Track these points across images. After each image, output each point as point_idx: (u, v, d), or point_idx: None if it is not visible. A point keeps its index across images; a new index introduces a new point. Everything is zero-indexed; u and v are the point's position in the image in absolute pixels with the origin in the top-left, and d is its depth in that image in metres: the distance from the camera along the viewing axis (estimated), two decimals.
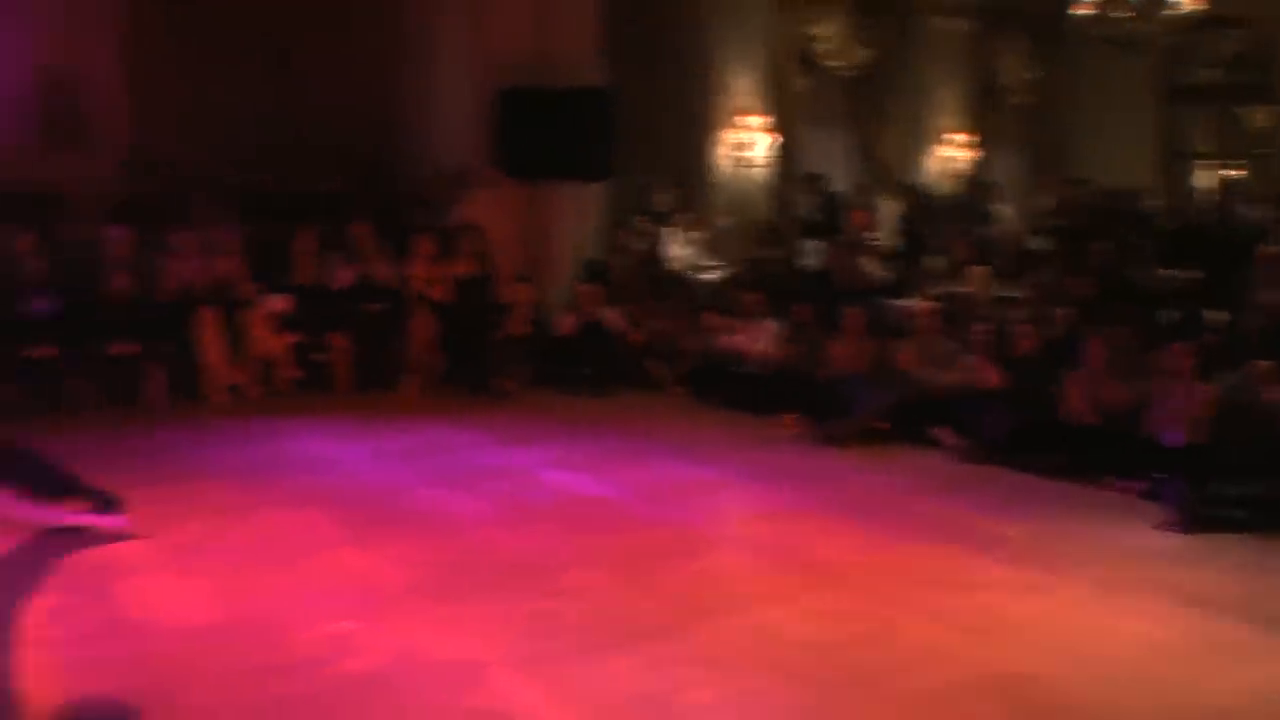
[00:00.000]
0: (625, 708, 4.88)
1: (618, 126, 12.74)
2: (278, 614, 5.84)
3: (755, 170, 15.59)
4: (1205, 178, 18.92)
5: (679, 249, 14.15)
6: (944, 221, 14.84)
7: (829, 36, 17.09)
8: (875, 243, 13.60)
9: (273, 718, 4.80)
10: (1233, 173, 18.41)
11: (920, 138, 18.23)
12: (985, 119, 18.84)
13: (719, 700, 4.95)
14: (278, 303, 11.47)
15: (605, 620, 5.77)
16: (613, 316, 11.91)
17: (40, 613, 5.91)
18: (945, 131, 18.27)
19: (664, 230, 14.22)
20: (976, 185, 17.17)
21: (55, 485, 7.08)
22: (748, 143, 15.39)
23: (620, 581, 6.32)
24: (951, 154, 18.21)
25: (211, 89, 13.52)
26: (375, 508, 7.66)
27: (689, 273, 13.85)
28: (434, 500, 7.84)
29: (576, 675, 5.16)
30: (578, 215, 13.42)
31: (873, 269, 12.88)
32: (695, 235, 14.33)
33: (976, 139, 18.45)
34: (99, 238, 11.53)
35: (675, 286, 13.10)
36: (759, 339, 11.23)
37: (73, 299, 11.03)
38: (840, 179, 16.35)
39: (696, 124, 15.37)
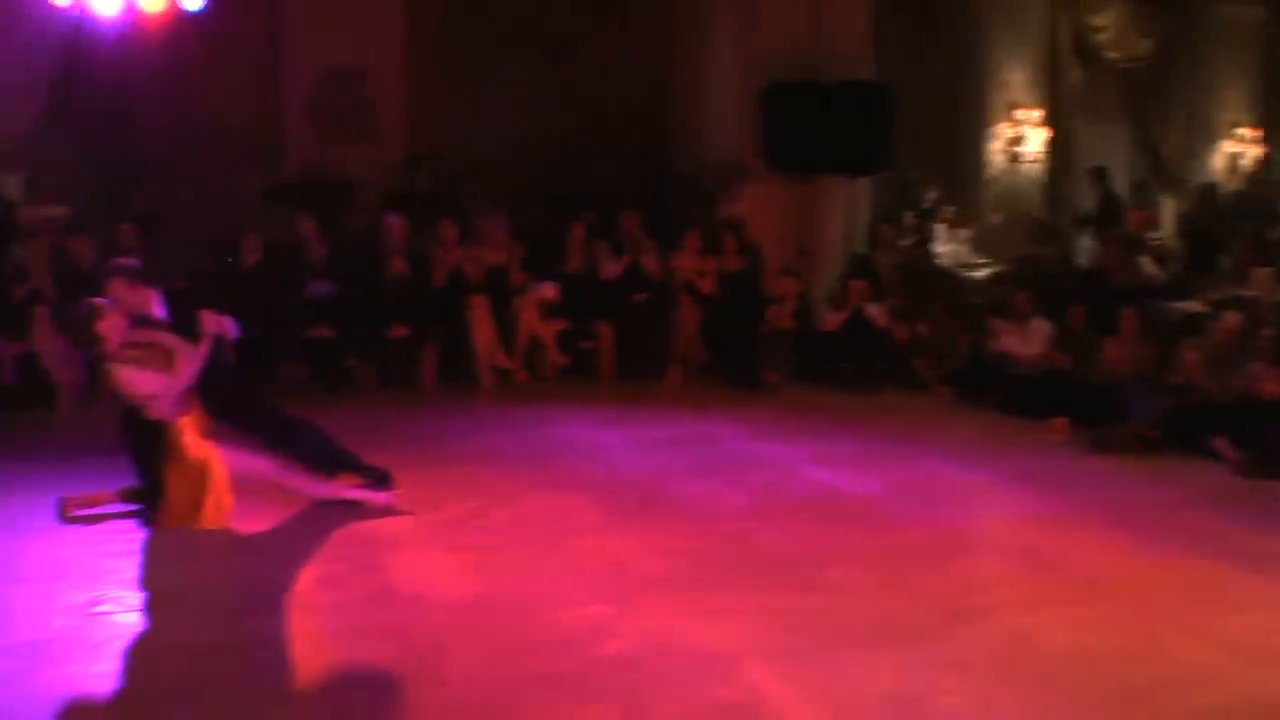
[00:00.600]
0: (875, 708, 4.83)
1: (888, 120, 12.59)
2: (536, 594, 5.99)
3: (1028, 165, 15.21)
4: None
5: (947, 245, 13.92)
6: (1230, 220, 14.17)
7: (1108, 26, 16.48)
8: (1156, 242, 13.10)
9: (528, 693, 4.92)
10: None
11: (1205, 132, 17.43)
12: (1275, 113, 17.88)
13: (970, 707, 4.86)
14: (547, 291, 11.74)
15: (859, 619, 5.72)
16: (878, 313, 11.78)
17: (311, 580, 6.22)
18: (1231, 126, 17.41)
19: (932, 226, 14.02)
20: (1264, 183, 16.34)
21: (332, 460, 7.42)
22: (1021, 137, 15.02)
23: (875, 580, 6.26)
24: (1238, 150, 17.35)
25: (487, 84, 13.95)
26: (635, 495, 7.77)
27: (957, 270, 13.61)
28: (693, 490, 7.90)
29: (827, 673, 5.13)
30: (845, 210, 13.30)
31: (1151, 269, 12.40)
32: (964, 231, 14.07)
33: (1265, 134, 17.53)
34: (378, 226, 12.01)
35: (942, 284, 12.88)
36: (1029, 339, 10.93)
37: (352, 283, 11.54)
38: (1118, 175, 15.80)
39: (969, 117, 15.09)
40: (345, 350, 11.35)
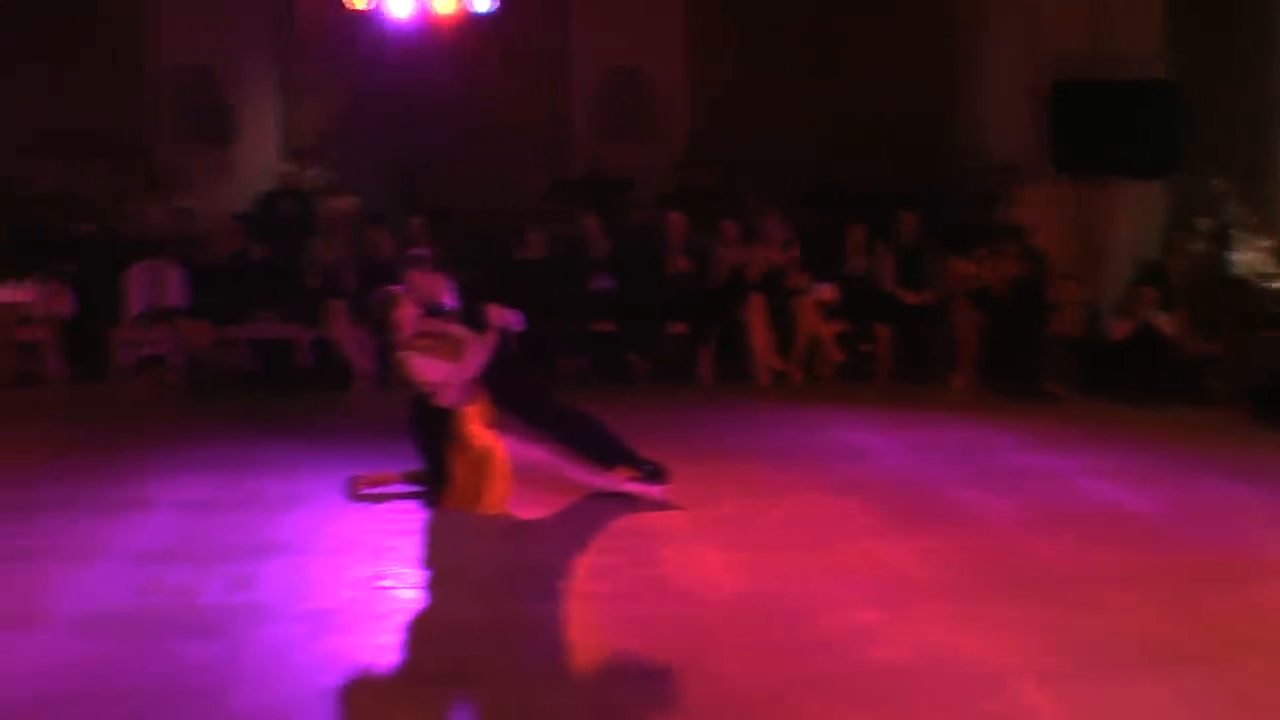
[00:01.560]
0: None
1: (1182, 121, 12.08)
2: (806, 595, 5.97)
3: None
4: None
5: (1245, 254, 13.26)
6: None
7: None
8: None
9: (799, 696, 4.91)
10: None
11: None
12: None
13: None
14: (826, 292, 11.69)
15: (1134, 642, 5.49)
16: (1168, 323, 11.32)
17: (586, 569, 6.35)
18: None
19: (1229, 233, 13.37)
20: None
21: (610, 452, 7.55)
22: None
23: (1153, 602, 5.99)
24: None
25: (766, 83, 13.97)
26: (907, 501, 7.66)
27: (1255, 280, 12.95)
28: (965, 498, 7.74)
29: (1101, 697, 4.94)
30: (1134, 214, 12.82)
31: None
32: (1263, 240, 13.37)
33: None
34: (659, 222, 12.16)
35: (1239, 294, 12.28)
36: None
37: (633, 279, 11.72)
38: None
39: (1271, 119, 14.33)
40: (625, 345, 11.54)
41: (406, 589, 6.04)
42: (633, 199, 13.17)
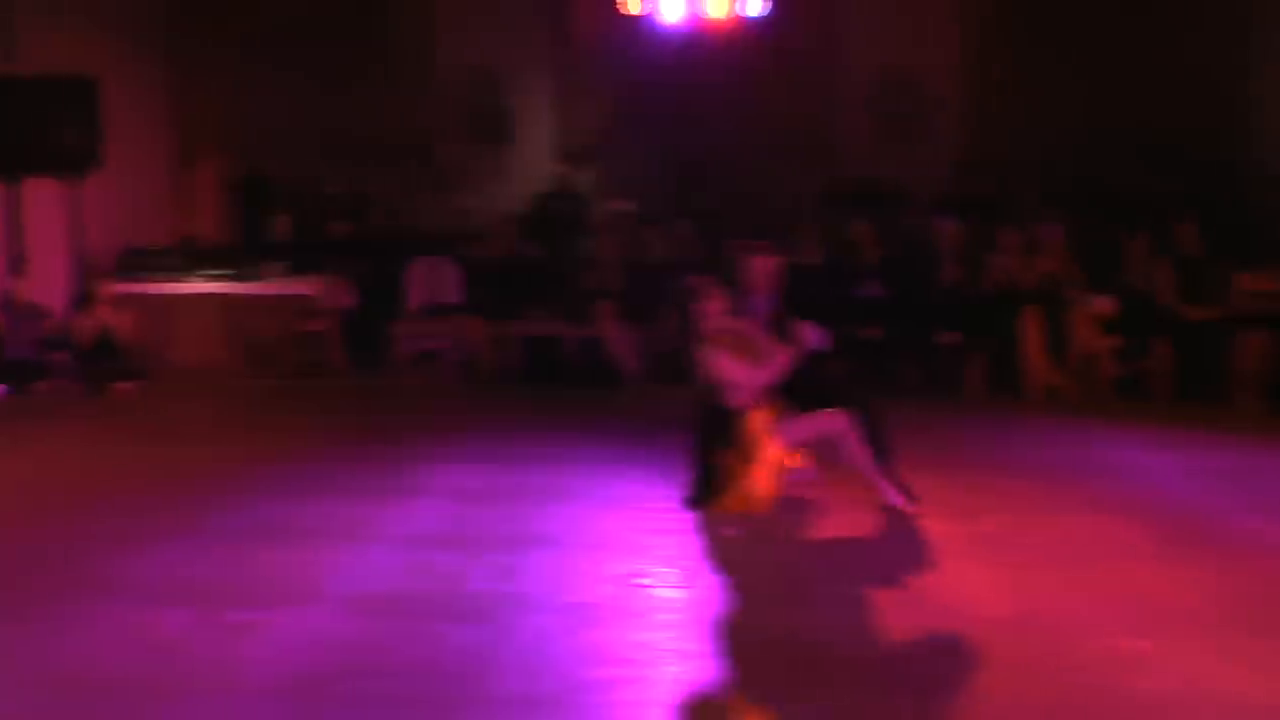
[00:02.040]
0: None
1: None
2: (1070, 618, 5.76)
3: None
4: None
5: None
6: None
7: None
8: None
9: (1060, 717, 4.77)
10: None
11: None
12: None
13: None
14: (1102, 304, 11.29)
15: None
16: None
17: (848, 580, 6.27)
18: None
19: None
20: None
21: (885, 460, 7.43)
22: None
23: None
24: None
25: (1044, 85, 13.58)
26: (1180, 525, 7.31)
27: None
28: (1245, 526, 7.33)
29: None
30: None
31: None
32: None
33: None
34: (930, 230, 11.95)
35: None
36: None
37: (903, 286, 11.56)
38: None
39: None
40: (893, 352, 11.40)
41: (664, 587, 6.09)
42: (905, 204, 12.98)
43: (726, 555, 6.69)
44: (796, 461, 7.35)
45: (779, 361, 7.08)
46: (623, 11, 12.82)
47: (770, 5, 12.71)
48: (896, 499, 7.37)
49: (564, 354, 11.69)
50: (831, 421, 7.23)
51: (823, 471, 7.54)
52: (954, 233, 11.69)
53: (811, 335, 7.21)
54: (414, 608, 5.77)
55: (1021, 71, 13.72)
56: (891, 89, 13.64)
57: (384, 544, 6.75)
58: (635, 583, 6.14)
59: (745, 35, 13.34)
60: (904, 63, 13.47)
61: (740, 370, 7.02)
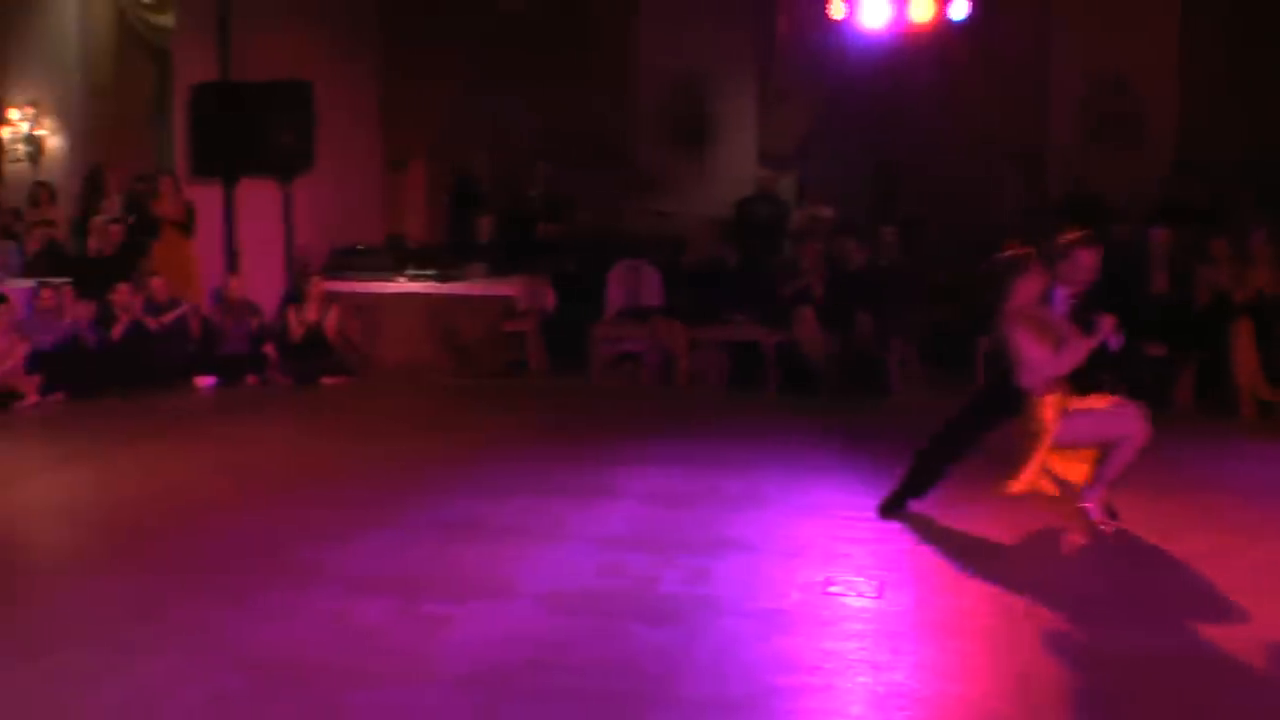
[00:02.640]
0: None
1: None
2: (1260, 648, 5.50)
3: None
4: None
5: None
6: None
7: None
8: None
9: None
10: None
11: None
12: None
13: None
14: None
15: None
16: None
17: (1037, 592, 6.12)
18: None
19: None
20: None
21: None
22: None
23: None
24: None
25: (1264, 91, 13.04)
26: None
27: None
28: None
29: None
30: None
31: None
32: None
33: None
34: (1141, 239, 11.60)
35: None
36: None
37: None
38: None
39: None
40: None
41: (855, 596, 6.03)
42: (1116, 214, 12.60)
43: (921, 565, 6.60)
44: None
45: (1078, 350, 6.97)
46: (827, 15, 12.75)
47: (975, 8, 12.51)
48: (1100, 514, 7.17)
49: (763, 359, 11.66)
50: (1130, 423, 7.08)
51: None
52: (1165, 242, 11.33)
53: (1110, 330, 7.08)
54: (606, 606, 5.83)
55: (1237, 73, 13.21)
56: (1103, 92, 13.26)
57: (578, 543, 6.83)
58: (828, 590, 6.09)
59: (950, 39, 13.14)
60: (1116, 66, 13.09)
61: (1040, 352, 6.91)
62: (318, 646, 5.35)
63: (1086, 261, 7.30)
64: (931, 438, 7.48)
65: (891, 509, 7.39)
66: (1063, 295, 7.33)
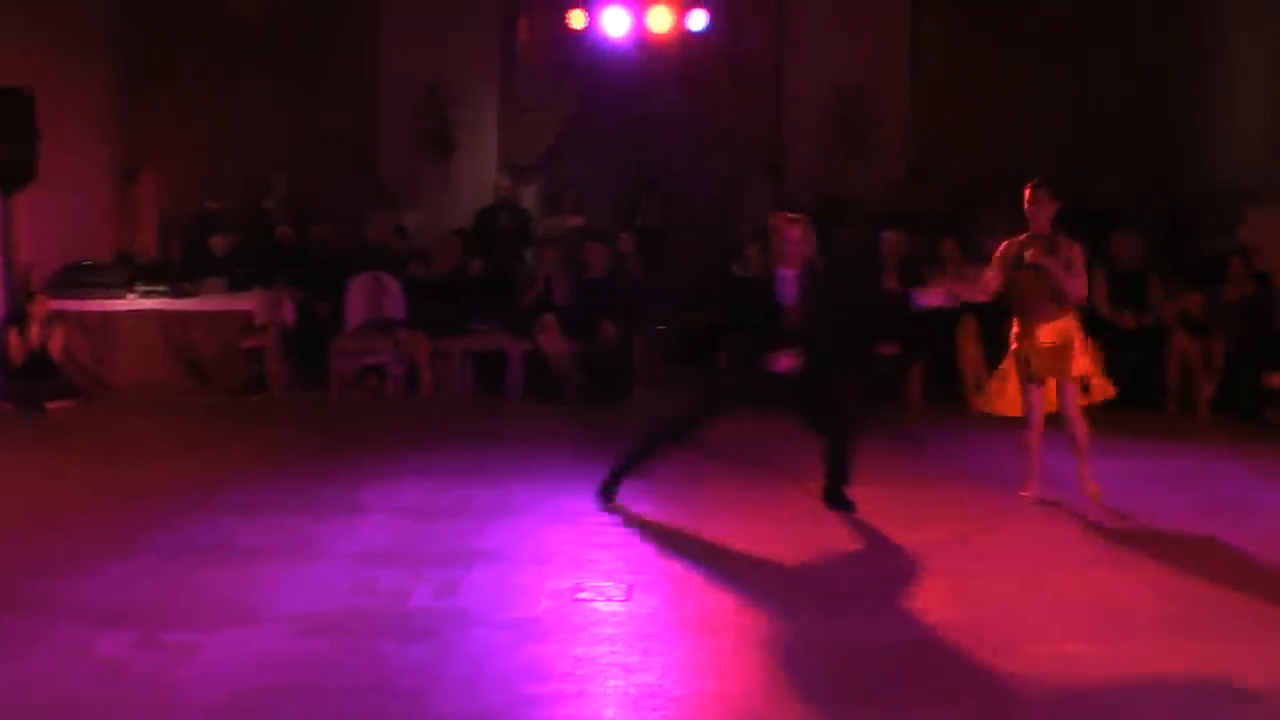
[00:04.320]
0: None
1: None
2: (1010, 625, 5.81)
3: None
4: None
5: None
6: None
7: None
8: None
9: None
10: None
11: None
12: None
13: None
14: None
15: None
16: None
17: (790, 588, 6.28)
18: None
19: None
20: None
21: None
22: None
23: None
24: None
25: (988, 99, 13.73)
26: (1124, 531, 7.40)
27: None
28: (1187, 530, 7.43)
29: None
30: None
31: None
32: None
33: None
34: (876, 241, 12.03)
35: None
36: None
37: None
38: None
39: None
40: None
41: (606, 600, 6.09)
42: (850, 216, 13.02)
43: (670, 568, 6.70)
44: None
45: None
46: (568, 26, 12.84)
47: (714, 18, 12.77)
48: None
49: (508, 369, 11.67)
50: None
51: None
52: (894, 245, 11.76)
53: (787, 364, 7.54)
54: (357, 625, 5.73)
55: (965, 82, 13.85)
56: (839, 102, 13.69)
57: (328, 561, 6.70)
58: (577, 596, 6.12)
59: (691, 49, 13.38)
60: (851, 75, 13.54)
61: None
62: (54, 681, 5.09)
63: (792, 236, 7.54)
64: (661, 420, 7.74)
65: (609, 490, 7.73)
66: (789, 276, 7.58)
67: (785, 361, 7.47)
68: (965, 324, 11.22)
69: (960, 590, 6.29)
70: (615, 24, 12.54)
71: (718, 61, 13.72)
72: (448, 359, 11.81)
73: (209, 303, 12.17)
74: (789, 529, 7.37)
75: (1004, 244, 7.97)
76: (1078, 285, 7.78)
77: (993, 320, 11.21)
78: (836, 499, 7.66)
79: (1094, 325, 11.24)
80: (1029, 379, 7.86)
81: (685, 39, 13.02)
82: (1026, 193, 7.88)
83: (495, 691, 4.99)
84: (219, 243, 12.95)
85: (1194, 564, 6.76)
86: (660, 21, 12.55)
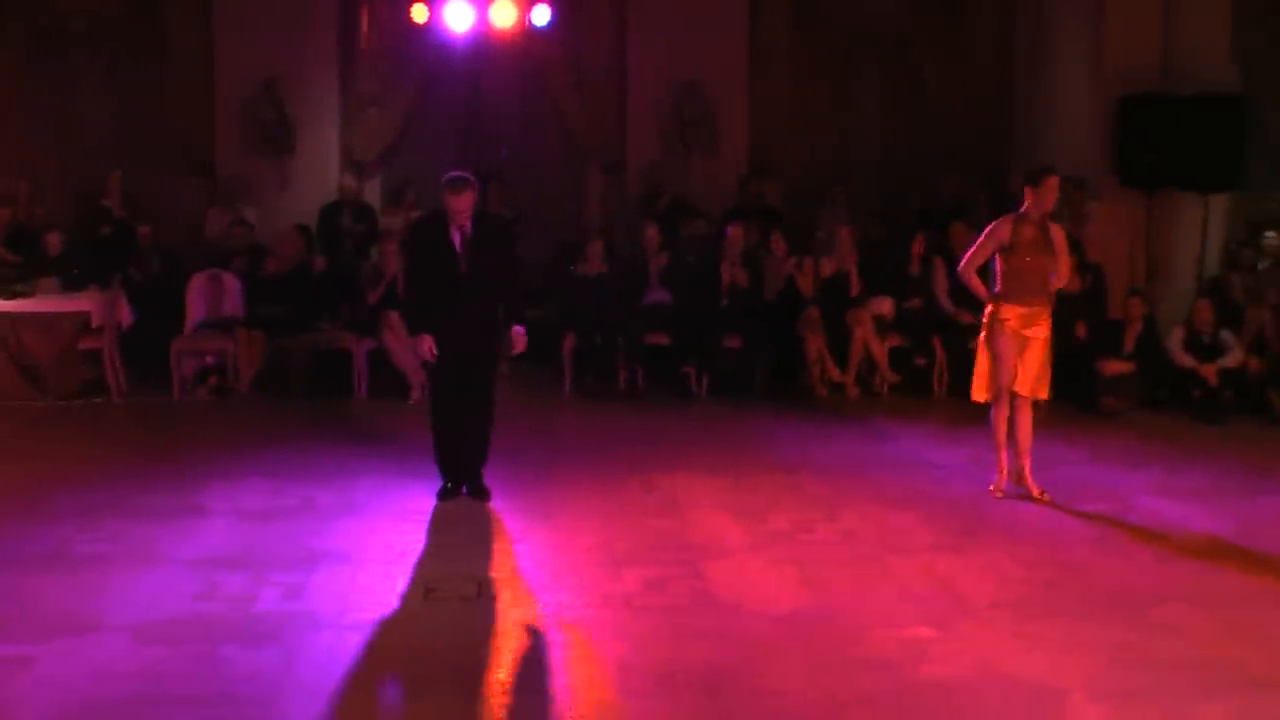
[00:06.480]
0: None
1: (1249, 135, 11.92)
2: (858, 611, 5.91)
3: None
4: None
5: None
6: None
7: None
8: None
9: (849, 713, 4.87)
10: None
11: None
12: None
13: None
14: (883, 306, 11.61)
15: (1200, 663, 5.37)
16: (1231, 339, 11.10)
17: (638, 582, 6.31)
18: None
19: None
20: None
21: None
22: None
23: (1221, 624, 5.86)
24: None
25: (830, 96, 13.97)
26: (966, 517, 7.58)
27: None
28: (1026, 515, 7.65)
29: (1159, 717, 4.86)
30: (1198, 228, 12.60)
31: None
32: None
33: None
34: (719, 236, 12.13)
35: None
36: None
37: (689, 292, 11.71)
38: None
39: None
40: (681, 358, 11.53)
41: (453, 598, 6.05)
42: (694, 213, 13.10)
43: (520, 564, 6.68)
44: None
45: None
46: (410, 20, 12.70)
47: (556, 15, 12.74)
48: None
49: (351, 367, 11.50)
50: None
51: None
52: (739, 238, 11.87)
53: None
54: (202, 632, 5.60)
55: (809, 79, 14.04)
56: (679, 97, 13.75)
57: (170, 566, 6.53)
58: (425, 595, 6.08)
59: (534, 44, 13.34)
60: (691, 72, 13.61)
61: None
62: None
63: (458, 205, 7.60)
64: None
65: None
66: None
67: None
68: (810, 313, 11.38)
69: (805, 579, 6.38)
70: (458, 18, 12.43)
71: (559, 57, 13.69)
72: (289, 357, 11.59)
73: (43, 304, 11.75)
74: (633, 521, 7.39)
75: (997, 224, 8.00)
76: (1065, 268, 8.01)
77: (835, 308, 11.44)
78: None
79: (935, 316, 11.57)
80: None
81: (528, 34, 12.96)
82: (1048, 179, 7.95)
83: (344, 694, 4.93)
84: (54, 240, 12.53)
85: (1037, 548, 6.95)
86: (504, 16, 12.48)
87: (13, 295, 11.68)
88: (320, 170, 13.87)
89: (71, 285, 12.01)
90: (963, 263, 8.14)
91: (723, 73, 13.77)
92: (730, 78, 13.85)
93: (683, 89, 13.67)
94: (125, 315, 11.71)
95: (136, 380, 11.59)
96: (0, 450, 9.59)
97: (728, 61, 13.85)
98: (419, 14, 12.60)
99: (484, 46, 13.17)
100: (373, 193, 13.94)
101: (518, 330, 7.77)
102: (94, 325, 11.45)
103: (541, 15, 12.65)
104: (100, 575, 6.39)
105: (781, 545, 6.97)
